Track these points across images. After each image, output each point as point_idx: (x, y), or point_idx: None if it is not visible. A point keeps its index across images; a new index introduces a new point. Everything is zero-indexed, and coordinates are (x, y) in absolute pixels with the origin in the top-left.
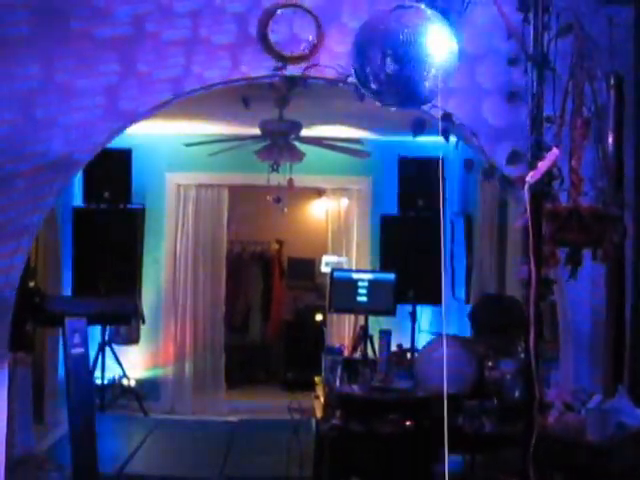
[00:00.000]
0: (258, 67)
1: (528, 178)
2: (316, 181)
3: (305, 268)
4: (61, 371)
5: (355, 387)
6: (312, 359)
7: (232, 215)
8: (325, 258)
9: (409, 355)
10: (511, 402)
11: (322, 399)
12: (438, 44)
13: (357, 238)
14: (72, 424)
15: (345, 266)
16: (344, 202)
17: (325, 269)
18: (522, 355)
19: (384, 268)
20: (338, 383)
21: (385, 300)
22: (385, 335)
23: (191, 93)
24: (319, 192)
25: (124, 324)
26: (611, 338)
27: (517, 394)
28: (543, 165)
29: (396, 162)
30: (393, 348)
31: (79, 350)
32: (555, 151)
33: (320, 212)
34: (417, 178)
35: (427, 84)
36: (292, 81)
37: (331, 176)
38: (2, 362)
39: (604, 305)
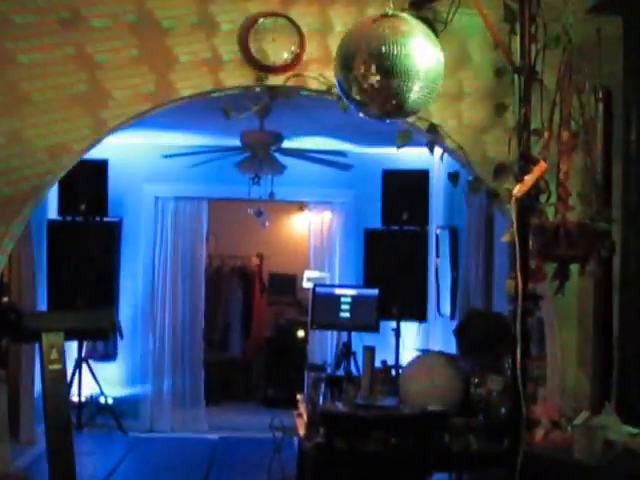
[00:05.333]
0: (239, 77)
1: (515, 192)
2: (298, 194)
3: (286, 283)
4: (37, 388)
5: (339, 404)
6: (293, 376)
7: (212, 228)
8: (307, 273)
9: (393, 372)
10: (498, 419)
11: (305, 417)
12: (423, 54)
13: (340, 253)
14: (49, 442)
15: (327, 281)
16: (327, 216)
17: (307, 284)
18: (509, 372)
19: (367, 284)
20: (321, 400)
21: (368, 316)
22: (369, 352)
23: (170, 104)
24: (301, 206)
25: (102, 339)
26: (598, 354)
27: (503, 411)
28: (530, 179)
29: (380, 175)
30: (377, 365)
31: (56, 366)
32: (542, 164)
33: (302, 226)
34: (401, 191)
35: (412, 95)
36: (274, 92)
37: (313, 189)
38: None
39: (591, 321)
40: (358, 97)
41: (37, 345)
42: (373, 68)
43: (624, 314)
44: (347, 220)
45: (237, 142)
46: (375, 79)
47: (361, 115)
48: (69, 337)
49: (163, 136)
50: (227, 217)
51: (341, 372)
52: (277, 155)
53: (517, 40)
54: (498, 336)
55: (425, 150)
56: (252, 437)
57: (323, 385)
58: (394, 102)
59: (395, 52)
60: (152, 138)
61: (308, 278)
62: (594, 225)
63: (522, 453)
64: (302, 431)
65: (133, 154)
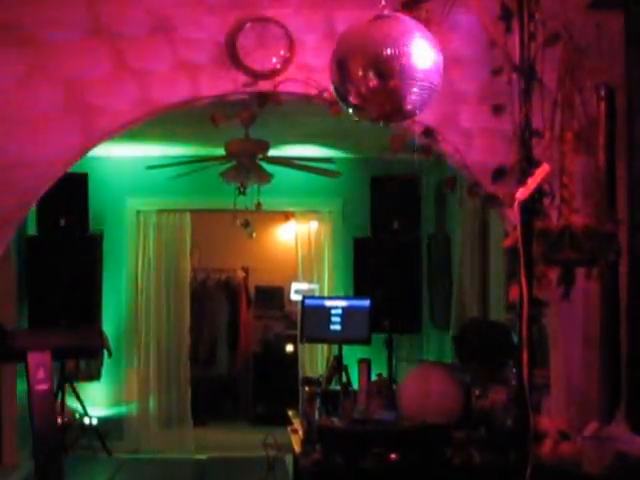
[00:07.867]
0: (226, 83)
1: (518, 195)
2: (284, 204)
3: (273, 296)
4: (20, 409)
5: (335, 419)
6: (282, 392)
7: (196, 241)
8: (295, 285)
9: (390, 385)
10: (501, 432)
11: (301, 433)
12: (421, 54)
13: (328, 263)
14: (37, 464)
15: (316, 293)
16: (314, 225)
17: (295, 297)
18: (513, 382)
19: (357, 295)
20: (317, 416)
21: (360, 328)
22: (365, 364)
23: (156, 113)
24: (287, 215)
25: (91, 358)
26: (606, 362)
27: (509, 423)
28: (533, 181)
29: (369, 182)
30: (373, 377)
31: (43, 386)
32: (545, 166)
33: (289, 236)
34: (391, 198)
35: (411, 97)
36: (261, 99)
37: (300, 198)
38: None
39: (598, 327)
40: (356, 100)
41: (23, 364)
42: (371, 70)
43: (632, 318)
44: (335, 229)
45: (222, 151)
46: (373, 81)
47: (358, 119)
48: (56, 356)
49: (144, 148)
50: (211, 229)
51: (333, 386)
52: (263, 164)
53: (514, 38)
54: (499, 345)
55: (415, 156)
56: (241, 456)
57: (319, 400)
58: (392, 104)
59: (393, 53)
60: (133, 150)
61: (296, 290)
62: (600, 227)
63: (531, 466)
64: (298, 448)
65: (114, 167)
